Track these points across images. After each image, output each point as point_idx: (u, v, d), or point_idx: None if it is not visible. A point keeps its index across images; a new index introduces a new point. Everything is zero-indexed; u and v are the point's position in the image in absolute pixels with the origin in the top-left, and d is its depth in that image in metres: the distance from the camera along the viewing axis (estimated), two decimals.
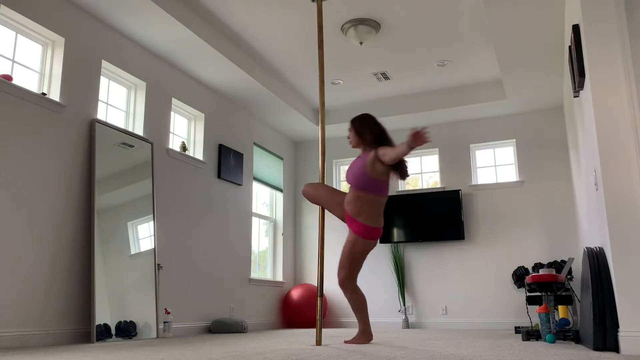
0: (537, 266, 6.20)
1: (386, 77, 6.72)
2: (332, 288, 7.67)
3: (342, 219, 3.94)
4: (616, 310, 2.94)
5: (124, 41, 5.17)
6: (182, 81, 5.96)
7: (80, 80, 4.66)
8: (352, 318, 7.53)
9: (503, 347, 3.34)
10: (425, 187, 7.74)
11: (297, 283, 7.92)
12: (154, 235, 5.17)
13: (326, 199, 4.00)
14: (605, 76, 3.17)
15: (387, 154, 3.63)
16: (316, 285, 6.65)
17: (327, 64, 6.32)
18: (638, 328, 2.83)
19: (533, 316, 6.53)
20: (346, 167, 8.28)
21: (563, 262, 6.20)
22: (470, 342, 3.93)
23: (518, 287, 6.42)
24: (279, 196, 7.90)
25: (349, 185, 3.90)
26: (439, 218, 7.25)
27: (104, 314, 4.43)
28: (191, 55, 5.57)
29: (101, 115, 4.97)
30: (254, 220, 7.26)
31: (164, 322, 5.06)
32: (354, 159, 8.09)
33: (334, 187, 8.13)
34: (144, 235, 5.06)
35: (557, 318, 5.11)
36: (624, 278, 2.91)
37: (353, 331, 5.98)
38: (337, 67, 6.41)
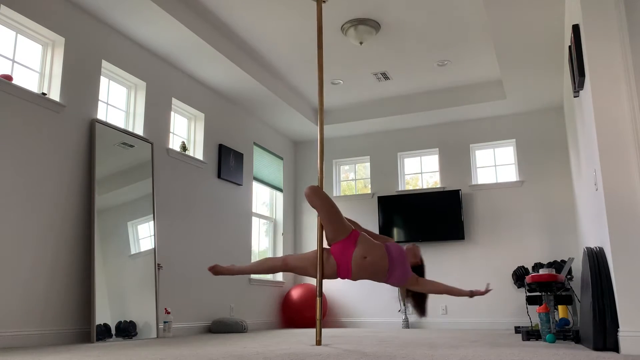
0: (537, 266, 6.20)
1: (386, 77, 6.72)
2: (332, 288, 7.67)
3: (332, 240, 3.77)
4: (616, 310, 2.94)
5: (124, 41, 5.17)
6: (182, 81, 5.96)
7: (80, 80, 4.66)
8: (352, 318, 7.53)
9: (503, 347, 3.34)
10: (425, 187, 7.73)
11: (297, 283, 7.92)
12: (154, 235, 5.17)
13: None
14: (605, 76, 3.17)
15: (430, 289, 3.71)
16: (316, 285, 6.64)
17: (327, 64, 6.32)
18: (638, 328, 2.83)
19: (533, 316, 6.53)
20: (346, 167, 8.29)
21: (563, 262, 6.20)
22: (470, 342, 3.93)
23: (518, 287, 6.43)
24: (279, 196, 7.90)
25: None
26: (439, 218, 7.25)
27: (104, 314, 4.43)
28: (191, 55, 5.57)
29: (101, 115, 4.97)
30: (254, 220, 7.26)
31: (164, 322, 5.06)
32: (353, 158, 8.15)
33: (333, 188, 8.12)
34: (144, 235, 5.06)
35: (557, 318, 5.11)
36: (624, 278, 2.91)
37: (353, 331, 5.98)
38: (337, 67, 6.41)
